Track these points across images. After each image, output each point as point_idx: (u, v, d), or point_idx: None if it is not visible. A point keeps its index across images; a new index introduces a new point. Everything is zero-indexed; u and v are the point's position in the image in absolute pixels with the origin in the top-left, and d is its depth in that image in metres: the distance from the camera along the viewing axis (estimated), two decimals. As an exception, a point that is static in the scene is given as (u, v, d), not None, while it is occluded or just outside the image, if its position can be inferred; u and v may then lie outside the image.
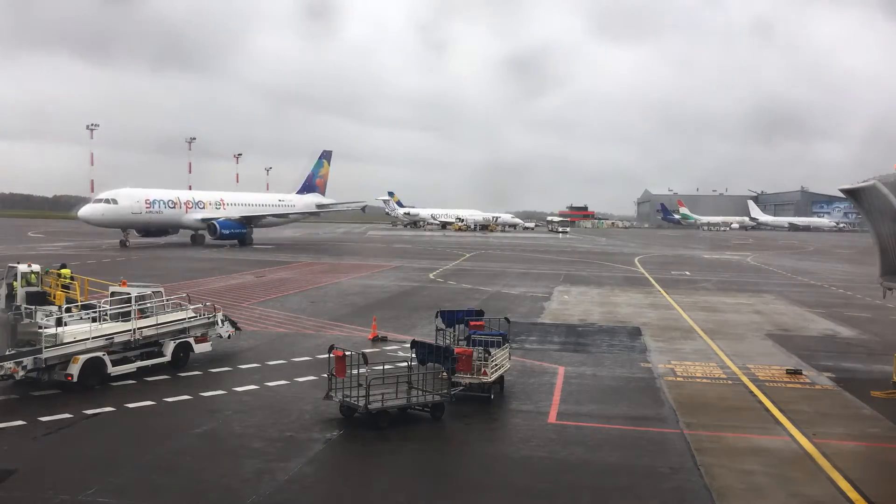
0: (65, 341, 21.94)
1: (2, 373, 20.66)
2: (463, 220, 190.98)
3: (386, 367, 20.60)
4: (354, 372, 19.91)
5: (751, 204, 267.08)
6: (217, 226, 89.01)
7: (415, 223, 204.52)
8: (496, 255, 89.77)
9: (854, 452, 18.26)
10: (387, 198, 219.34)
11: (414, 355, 22.59)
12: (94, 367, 22.19)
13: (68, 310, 24.45)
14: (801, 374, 26.05)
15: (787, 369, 26.56)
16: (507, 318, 27.36)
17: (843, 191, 26.66)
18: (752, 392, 23.61)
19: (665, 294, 50.44)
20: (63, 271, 30.02)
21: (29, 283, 27.57)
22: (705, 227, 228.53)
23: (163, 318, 25.28)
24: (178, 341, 25.13)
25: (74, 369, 21.67)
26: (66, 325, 22.72)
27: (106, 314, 24.24)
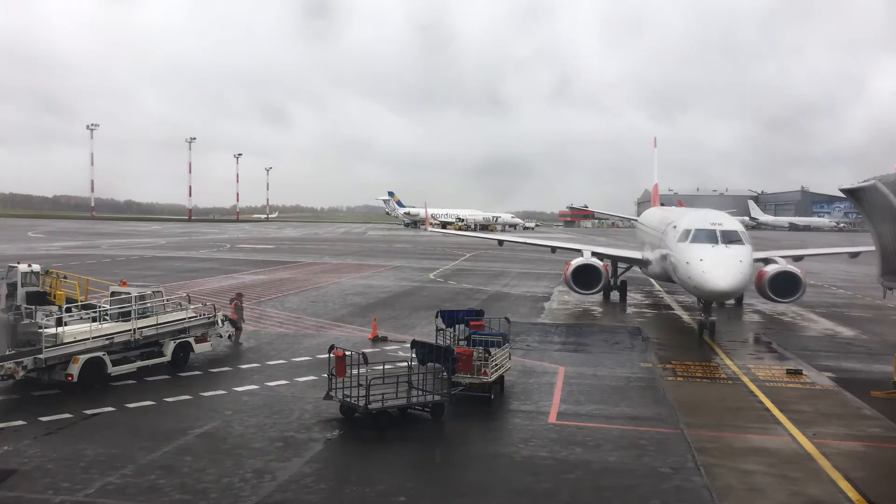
0: (65, 341, 21.95)
1: (2, 373, 20.67)
2: (463, 220, 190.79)
3: (386, 367, 20.60)
4: (355, 372, 19.93)
5: (751, 204, 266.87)
6: None
7: (415, 223, 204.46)
8: (496, 254, 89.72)
9: (854, 452, 18.25)
10: (387, 198, 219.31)
11: (414, 355, 22.60)
12: (94, 367, 22.19)
13: (68, 310, 24.49)
14: (801, 374, 26.03)
15: (787, 369, 26.57)
16: (507, 318, 27.38)
17: (843, 190, 26.62)
18: (752, 392, 23.61)
19: (665, 294, 50.41)
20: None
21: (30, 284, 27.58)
22: None
23: (163, 318, 25.29)
24: (178, 341, 25.14)
25: (74, 369, 21.68)
26: (66, 325, 22.73)
27: (106, 314, 24.27)
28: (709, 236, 30.97)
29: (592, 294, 41.30)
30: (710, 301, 31.78)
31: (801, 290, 37.65)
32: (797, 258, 46.40)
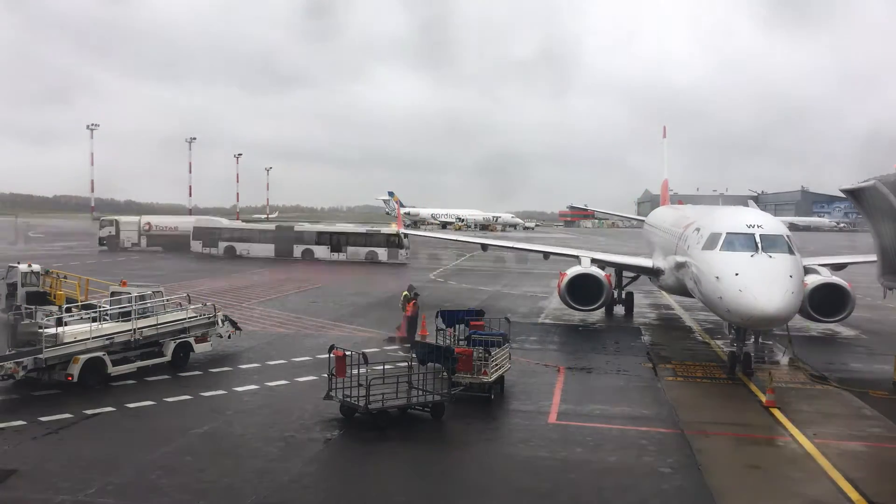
0: (65, 341, 21.95)
1: (2, 373, 20.68)
2: (463, 220, 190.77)
3: (386, 367, 20.62)
4: (355, 372, 19.93)
5: (751, 203, 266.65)
6: None
7: (415, 223, 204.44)
8: (496, 254, 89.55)
9: (854, 452, 18.27)
10: (387, 197, 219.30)
11: (414, 355, 22.61)
12: (94, 367, 22.20)
13: (68, 310, 24.51)
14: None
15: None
16: (507, 318, 27.36)
17: (843, 191, 26.64)
18: (752, 392, 23.61)
19: (665, 293, 50.36)
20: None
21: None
22: None
23: (163, 318, 25.29)
24: (178, 341, 25.14)
25: (75, 369, 21.68)
26: (66, 325, 22.74)
27: (106, 314, 24.27)
28: (745, 242, 23.78)
29: (592, 310, 35.64)
30: (747, 328, 24.86)
31: (849, 308, 31.44)
32: (840, 266, 37.82)
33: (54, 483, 15.03)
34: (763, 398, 22.25)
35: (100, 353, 22.49)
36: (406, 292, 31.73)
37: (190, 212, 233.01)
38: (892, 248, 24.45)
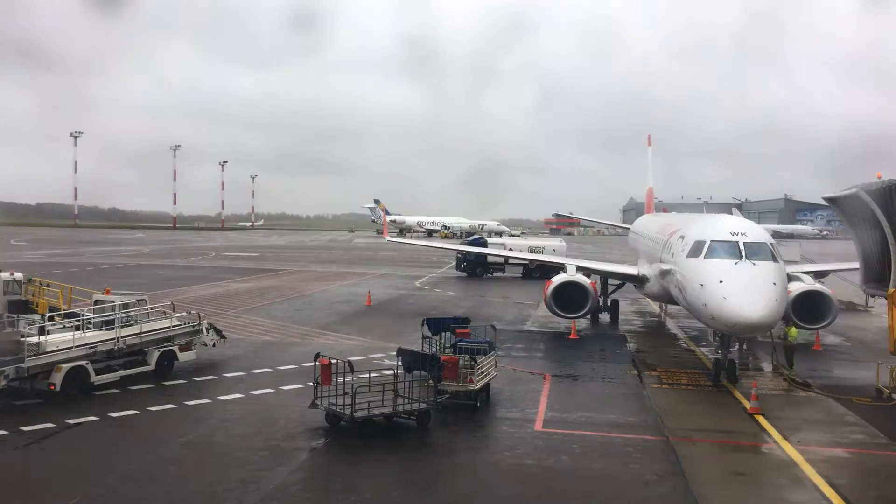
0: (47, 350, 21.72)
1: None
2: (449, 228, 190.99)
3: (372, 375, 20.58)
4: (340, 380, 19.87)
5: (735, 212, 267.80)
6: None
7: (401, 231, 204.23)
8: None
9: (838, 458, 18.38)
10: (373, 205, 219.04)
11: (400, 363, 22.55)
12: (77, 376, 21.99)
13: (51, 318, 24.28)
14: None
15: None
16: (493, 326, 27.36)
17: (826, 199, 26.86)
18: (736, 399, 23.72)
19: (650, 301, 50.58)
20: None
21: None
22: None
23: (147, 327, 25.09)
24: (162, 350, 24.94)
25: (57, 378, 21.47)
26: (48, 333, 22.53)
27: (89, 322, 24.06)
28: (729, 250, 23.76)
29: (578, 318, 34.96)
30: (731, 335, 24.80)
31: (832, 315, 31.22)
32: (822, 273, 37.85)
33: (36, 493, 14.88)
34: (748, 405, 22.37)
35: (83, 362, 22.29)
36: None
37: (174, 220, 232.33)
38: (874, 256, 24.64)
